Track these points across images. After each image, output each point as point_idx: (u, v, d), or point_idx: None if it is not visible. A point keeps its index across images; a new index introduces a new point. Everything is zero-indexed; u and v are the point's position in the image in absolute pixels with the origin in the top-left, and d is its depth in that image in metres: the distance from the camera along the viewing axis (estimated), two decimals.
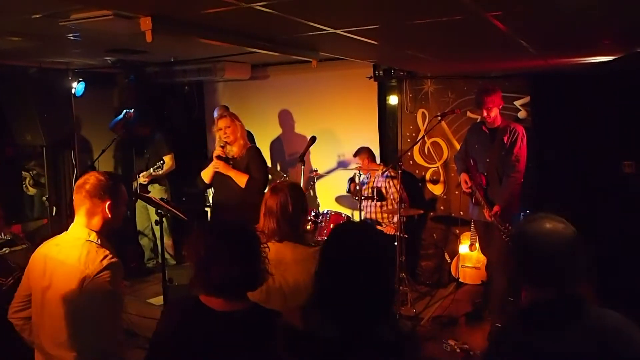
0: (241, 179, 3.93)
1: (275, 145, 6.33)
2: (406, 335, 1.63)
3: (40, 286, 2.12)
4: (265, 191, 2.63)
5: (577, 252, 1.51)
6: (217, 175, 4.07)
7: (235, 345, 1.69)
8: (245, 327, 1.73)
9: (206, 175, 4.10)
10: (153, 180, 5.49)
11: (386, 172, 5.11)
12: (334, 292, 1.56)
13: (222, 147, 4.04)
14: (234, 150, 4.03)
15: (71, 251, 2.08)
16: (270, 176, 4.46)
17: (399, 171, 4.63)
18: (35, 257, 2.18)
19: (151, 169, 5.32)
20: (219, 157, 4.00)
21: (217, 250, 1.73)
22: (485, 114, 4.09)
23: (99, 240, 2.14)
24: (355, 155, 5.19)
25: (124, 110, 5.52)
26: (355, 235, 1.68)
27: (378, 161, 5.44)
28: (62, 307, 2.05)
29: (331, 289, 1.58)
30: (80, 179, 2.19)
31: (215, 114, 5.67)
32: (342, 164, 5.91)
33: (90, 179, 2.14)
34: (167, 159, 5.48)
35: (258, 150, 4.15)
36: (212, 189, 4.49)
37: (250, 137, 5.73)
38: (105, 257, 2.06)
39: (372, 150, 5.23)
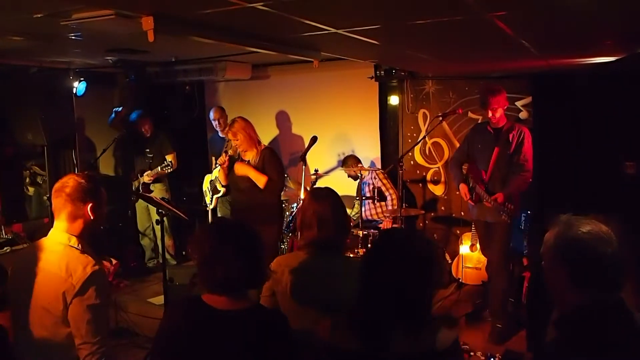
0: (260, 180, 4.02)
1: (276, 145, 6.32)
2: (439, 351, 1.56)
3: (22, 292, 2.09)
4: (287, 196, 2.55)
5: (622, 254, 1.52)
6: (232, 176, 4.17)
7: (237, 344, 1.70)
8: (247, 326, 1.73)
9: (221, 177, 4.35)
10: (155, 179, 5.49)
11: (373, 174, 5.17)
12: (365, 302, 1.56)
13: (226, 152, 4.15)
14: (249, 157, 4.14)
15: (52, 257, 2.05)
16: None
17: (400, 172, 4.63)
18: (17, 262, 2.16)
19: (159, 168, 5.31)
20: (231, 160, 4.21)
21: (220, 248, 1.74)
22: (490, 114, 4.07)
23: (80, 245, 2.10)
24: (342, 165, 5.31)
25: (114, 110, 5.56)
26: (398, 242, 1.66)
27: (379, 163, 5.46)
28: (44, 316, 2.03)
29: (363, 299, 1.57)
30: (57, 182, 2.14)
31: (211, 115, 5.66)
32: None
33: (69, 182, 2.10)
34: (170, 158, 5.49)
35: (272, 151, 4.22)
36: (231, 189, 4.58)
37: None
38: (87, 264, 2.02)
39: (372, 150, 5.23)
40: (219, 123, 5.63)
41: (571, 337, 1.50)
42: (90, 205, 2.10)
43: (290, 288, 2.22)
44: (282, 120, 6.30)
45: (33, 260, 2.10)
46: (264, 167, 4.08)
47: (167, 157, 5.51)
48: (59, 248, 2.07)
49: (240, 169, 4.08)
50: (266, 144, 5.67)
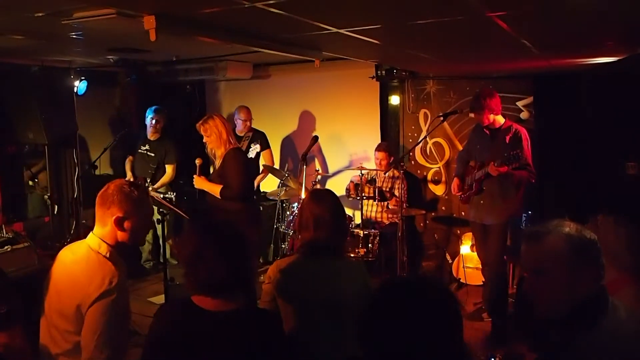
0: (214, 190, 3.87)
1: (277, 145, 6.32)
2: None
3: (50, 291, 2.07)
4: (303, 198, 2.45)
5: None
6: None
7: (227, 346, 1.68)
8: (237, 327, 1.71)
9: None
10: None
11: (390, 173, 5.14)
12: None
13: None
14: (218, 155, 3.98)
15: (79, 261, 2.00)
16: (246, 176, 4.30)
17: (401, 171, 4.64)
18: (55, 260, 2.11)
19: (161, 195, 5.16)
20: (201, 166, 4.05)
21: (204, 249, 1.72)
22: (479, 119, 4.12)
23: (109, 254, 2.00)
24: (377, 149, 5.16)
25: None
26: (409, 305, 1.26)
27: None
28: (57, 318, 2.00)
29: None
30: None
31: (236, 115, 5.58)
32: (344, 164, 5.91)
33: (110, 186, 2.03)
34: (169, 169, 5.45)
35: (235, 153, 3.94)
36: None
37: (261, 137, 5.65)
38: (107, 275, 1.93)
39: (373, 150, 5.20)
40: (248, 124, 5.53)
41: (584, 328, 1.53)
42: (116, 217, 1.99)
43: (277, 288, 2.22)
44: (283, 120, 6.29)
45: (63, 260, 2.07)
46: (223, 170, 3.91)
47: (167, 166, 5.44)
48: (87, 253, 2.00)
49: (197, 184, 3.97)
50: (269, 144, 5.69)
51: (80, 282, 1.94)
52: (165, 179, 5.43)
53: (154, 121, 5.40)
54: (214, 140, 3.92)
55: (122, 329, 2.02)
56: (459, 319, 1.28)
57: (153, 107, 5.44)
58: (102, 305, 1.90)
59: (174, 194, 5.25)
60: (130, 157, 5.58)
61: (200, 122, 3.97)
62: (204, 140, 4.00)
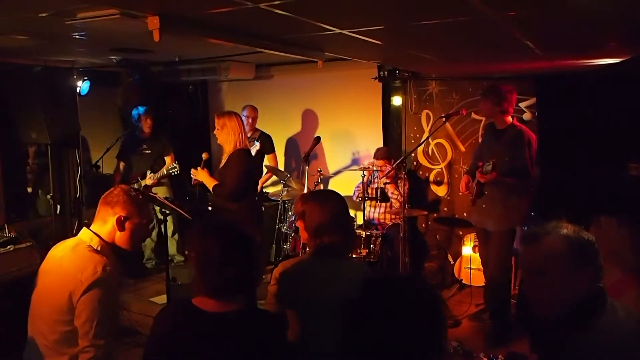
0: (209, 185, 3.93)
1: (279, 146, 6.32)
2: None
3: (38, 286, 2.12)
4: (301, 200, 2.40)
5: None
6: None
7: (227, 346, 1.69)
8: (237, 328, 1.72)
9: None
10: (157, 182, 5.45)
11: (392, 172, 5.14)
12: None
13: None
14: (225, 150, 3.99)
15: (69, 253, 2.07)
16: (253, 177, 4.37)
17: (403, 172, 4.63)
18: (46, 258, 2.18)
19: (164, 170, 5.24)
20: (206, 161, 4.09)
21: (213, 252, 1.73)
22: (487, 112, 4.16)
23: (100, 247, 2.08)
24: (376, 157, 5.15)
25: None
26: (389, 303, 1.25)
27: None
28: (47, 310, 2.02)
29: None
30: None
31: (244, 113, 5.59)
32: (346, 165, 5.91)
33: (116, 188, 2.16)
34: (169, 160, 5.50)
35: (239, 154, 3.92)
36: None
37: (266, 139, 5.64)
38: (98, 264, 1.99)
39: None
40: (250, 121, 5.56)
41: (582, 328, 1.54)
42: (119, 216, 2.09)
43: (281, 289, 2.21)
44: (286, 120, 6.29)
45: (53, 254, 2.13)
46: (225, 169, 3.93)
47: (166, 158, 5.51)
48: (79, 245, 2.08)
49: (197, 175, 4.00)
50: (275, 149, 5.69)
51: (71, 272, 1.99)
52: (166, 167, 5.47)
53: (148, 121, 5.49)
54: (224, 135, 3.95)
55: (115, 317, 2.11)
56: (441, 320, 1.27)
57: (141, 108, 5.53)
58: (96, 293, 1.95)
59: (170, 194, 5.23)
60: (123, 163, 5.66)
61: (219, 114, 4.03)
62: (214, 132, 4.01)
